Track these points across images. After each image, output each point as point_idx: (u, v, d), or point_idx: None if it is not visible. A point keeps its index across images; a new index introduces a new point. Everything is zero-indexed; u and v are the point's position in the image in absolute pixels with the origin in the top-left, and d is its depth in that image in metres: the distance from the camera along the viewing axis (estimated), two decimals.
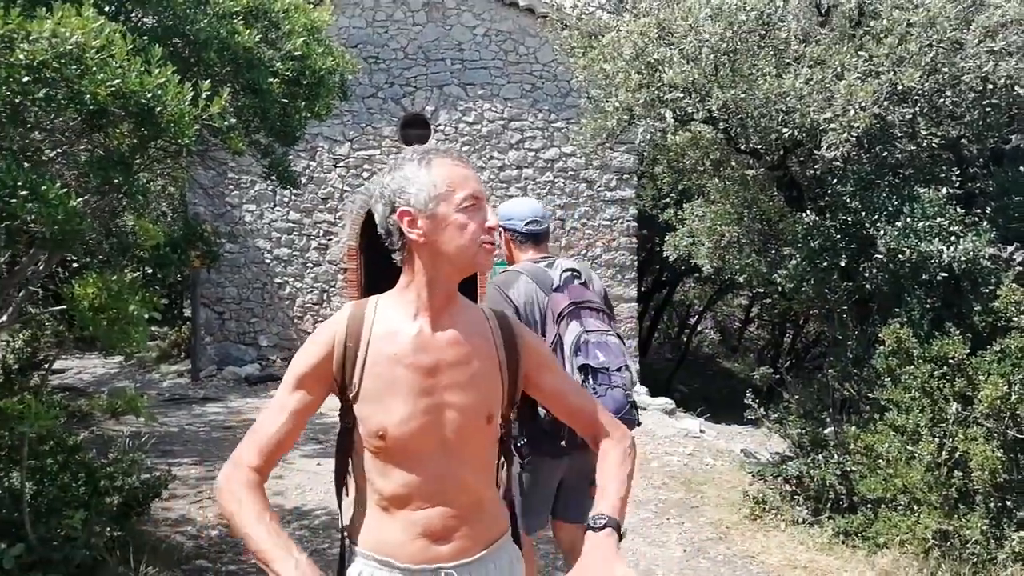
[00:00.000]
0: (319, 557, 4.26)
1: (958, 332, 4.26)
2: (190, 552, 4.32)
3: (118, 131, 3.21)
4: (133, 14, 3.75)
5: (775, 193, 5.89)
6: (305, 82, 3.85)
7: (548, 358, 1.64)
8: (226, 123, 3.18)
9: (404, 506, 1.44)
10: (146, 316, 3.27)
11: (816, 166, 5.07)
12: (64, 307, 3.44)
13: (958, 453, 4.06)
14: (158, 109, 2.97)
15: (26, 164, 2.96)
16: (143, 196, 3.56)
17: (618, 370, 2.59)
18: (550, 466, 2.64)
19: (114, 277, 3.27)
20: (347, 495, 1.55)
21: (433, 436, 1.44)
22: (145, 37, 3.33)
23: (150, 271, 3.72)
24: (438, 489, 1.44)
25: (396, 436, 1.41)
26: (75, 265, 4.45)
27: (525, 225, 2.82)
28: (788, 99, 4.47)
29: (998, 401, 3.95)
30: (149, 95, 2.93)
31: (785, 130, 4.60)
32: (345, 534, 1.53)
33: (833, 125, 4.28)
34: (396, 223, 1.43)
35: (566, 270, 2.72)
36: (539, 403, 1.68)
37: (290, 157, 4.33)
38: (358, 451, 1.47)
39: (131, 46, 2.91)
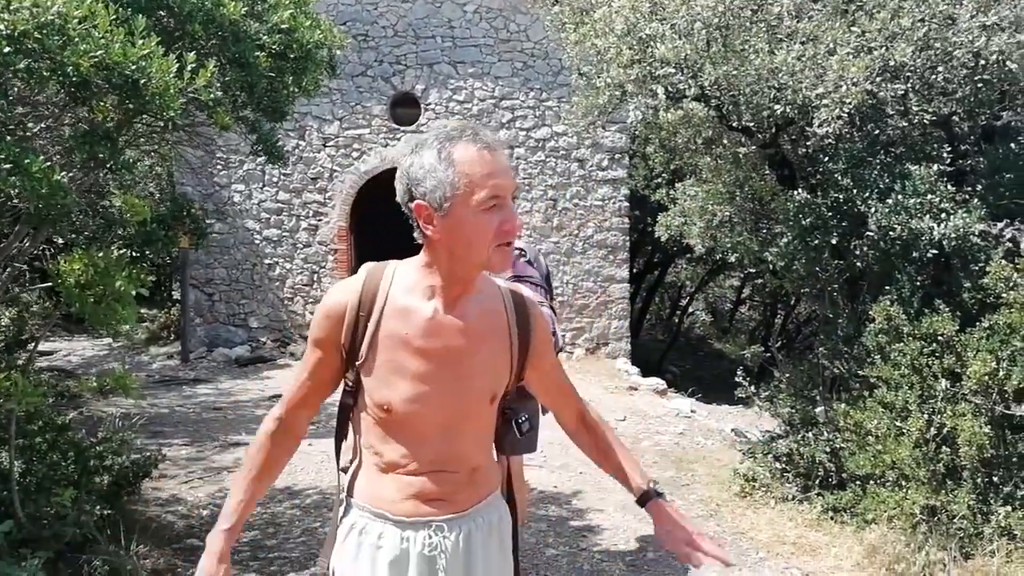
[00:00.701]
0: (310, 536, 4.27)
1: (947, 309, 4.27)
2: (181, 531, 4.31)
3: (102, 104, 3.15)
4: None
5: (767, 172, 5.88)
6: (292, 56, 3.79)
7: (550, 340, 1.66)
8: (212, 96, 3.12)
9: (400, 469, 1.49)
10: (133, 293, 3.23)
11: (808, 144, 5.05)
12: (50, 284, 3.40)
13: (946, 429, 4.09)
14: (143, 81, 2.92)
15: (8, 138, 2.90)
16: (129, 171, 3.51)
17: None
18: None
19: (100, 254, 3.23)
20: (347, 450, 1.61)
21: (436, 417, 1.47)
22: (128, 8, 3.28)
23: (137, 248, 3.68)
24: (435, 460, 1.49)
25: (400, 412, 1.46)
26: (61, 243, 4.39)
27: None
28: (780, 75, 4.44)
29: (986, 377, 3.97)
30: (133, 67, 2.88)
31: (777, 107, 4.58)
32: (342, 486, 1.59)
33: (825, 101, 4.26)
34: (412, 212, 1.42)
35: (516, 249, 3.16)
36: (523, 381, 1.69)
37: (279, 136, 4.27)
38: (360, 412, 1.52)
39: (114, 16, 2.85)
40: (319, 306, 1.53)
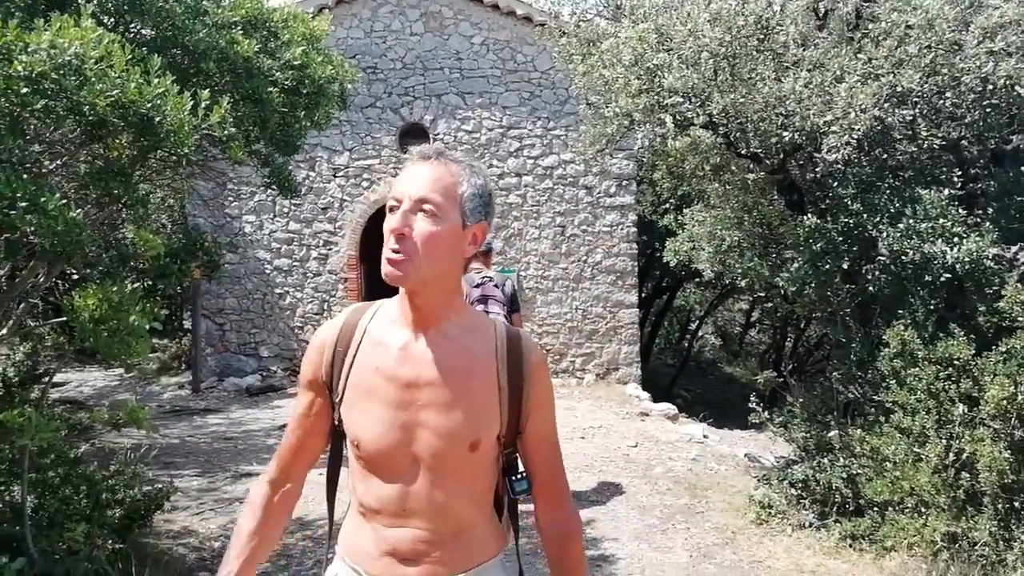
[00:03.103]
0: (322, 567, 4.23)
1: (963, 333, 4.24)
2: (193, 564, 4.29)
3: (117, 142, 3.20)
4: (132, 25, 3.75)
5: (775, 197, 5.89)
6: (304, 91, 3.85)
7: (551, 401, 1.50)
8: (226, 132, 3.17)
9: (377, 519, 1.41)
10: (147, 327, 3.25)
11: (816, 169, 5.06)
12: (64, 319, 3.42)
13: (965, 454, 4.04)
14: (157, 119, 2.97)
15: (25, 176, 2.95)
16: (143, 207, 3.55)
17: None
18: None
19: (114, 288, 3.25)
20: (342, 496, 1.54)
21: (406, 453, 1.37)
22: (144, 48, 3.34)
23: (150, 282, 3.71)
24: (411, 509, 1.38)
25: (368, 448, 1.38)
26: (75, 277, 4.43)
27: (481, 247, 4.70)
28: (788, 103, 4.47)
29: (1004, 402, 3.93)
30: (149, 105, 2.93)
31: (785, 134, 4.59)
32: (333, 533, 1.55)
33: (833, 128, 4.28)
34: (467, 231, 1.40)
35: (484, 276, 4.92)
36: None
37: (290, 167, 4.32)
38: (349, 453, 1.46)
39: (130, 56, 2.91)
40: (308, 347, 1.49)
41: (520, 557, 1.54)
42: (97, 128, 2.96)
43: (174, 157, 3.38)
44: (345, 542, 1.47)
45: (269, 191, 4.52)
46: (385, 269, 1.32)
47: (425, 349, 1.38)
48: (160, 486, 4.45)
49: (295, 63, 3.76)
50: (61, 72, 2.69)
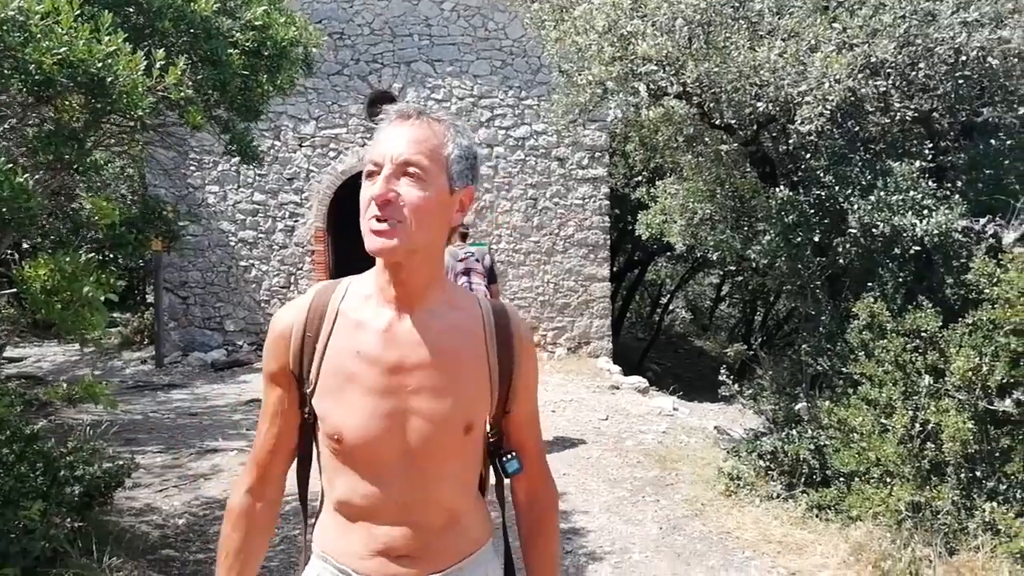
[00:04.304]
0: (290, 543, 4.17)
1: (931, 305, 4.27)
2: (156, 542, 4.20)
3: (68, 104, 3.04)
4: None
5: (748, 169, 5.87)
6: (267, 53, 3.70)
7: (534, 381, 1.42)
8: (182, 95, 3.03)
9: (364, 518, 1.30)
10: (103, 298, 3.12)
11: (789, 141, 5.04)
12: (16, 290, 3.28)
13: (930, 425, 4.09)
14: (109, 79, 2.82)
15: None
16: (97, 173, 3.40)
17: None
18: None
19: (67, 258, 3.11)
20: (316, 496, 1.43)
21: (395, 444, 1.27)
22: (95, 4, 3.16)
23: (107, 252, 3.56)
24: (402, 504, 1.28)
25: (352, 441, 1.26)
26: (27, 247, 4.26)
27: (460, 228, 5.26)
28: (762, 72, 4.42)
29: (969, 373, 3.97)
30: (99, 64, 2.78)
31: (759, 104, 4.55)
32: (308, 532, 1.42)
33: (807, 99, 4.24)
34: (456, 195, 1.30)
35: (467, 251, 5.71)
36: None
37: (253, 136, 4.16)
38: (321, 448, 1.34)
39: (78, 12, 2.75)
40: (268, 335, 1.35)
41: (507, 533, 1.49)
42: (44, 88, 2.80)
43: (130, 122, 3.23)
44: (325, 542, 1.35)
45: (232, 160, 4.38)
46: (372, 241, 1.20)
47: (411, 329, 1.27)
48: (121, 463, 4.33)
49: (256, 23, 3.60)
50: (4, 28, 2.54)
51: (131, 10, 3.46)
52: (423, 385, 1.27)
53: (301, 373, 1.30)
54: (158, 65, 2.95)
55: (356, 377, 1.26)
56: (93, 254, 3.59)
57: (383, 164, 1.21)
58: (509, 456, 1.40)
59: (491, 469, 1.44)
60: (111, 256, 3.69)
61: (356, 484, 1.29)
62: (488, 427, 1.38)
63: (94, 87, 2.84)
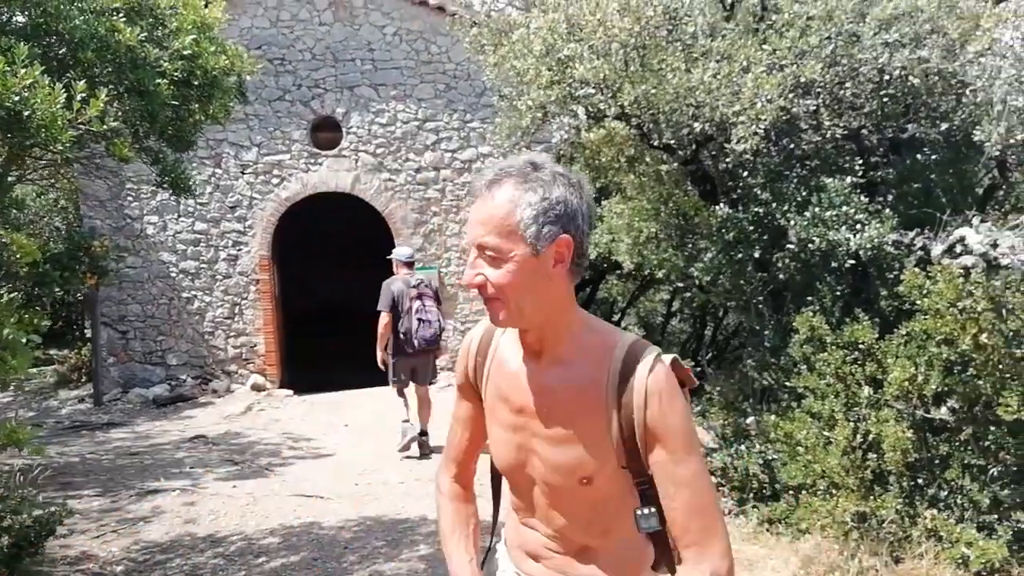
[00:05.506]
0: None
1: (867, 317, 4.38)
2: None
3: None
4: (1, 11, 3.43)
5: (689, 188, 5.96)
6: (197, 83, 3.61)
7: (678, 428, 1.27)
8: (106, 127, 2.93)
9: (524, 523, 1.46)
10: (24, 341, 2.98)
11: (728, 160, 5.14)
12: None
13: (871, 436, 4.17)
14: (27, 113, 2.71)
15: None
16: (19, 209, 3.27)
17: (430, 323, 5.97)
18: (406, 359, 6.07)
19: None
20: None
21: (524, 475, 1.39)
22: (13, 36, 3.05)
23: (29, 291, 3.41)
24: (537, 519, 1.42)
25: (497, 461, 1.45)
26: None
27: (405, 259, 6.28)
28: (697, 93, 4.50)
29: (906, 383, 4.07)
30: (16, 98, 2.67)
31: (696, 124, 4.63)
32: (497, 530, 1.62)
33: (741, 118, 4.33)
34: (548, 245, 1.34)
35: (417, 279, 6.17)
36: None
37: (193, 164, 4.06)
38: None
39: None
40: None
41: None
42: None
43: (50, 155, 3.12)
44: (508, 531, 1.54)
45: (165, 191, 4.24)
46: (489, 316, 1.32)
47: (535, 378, 1.34)
48: (53, 509, 4.13)
49: (185, 53, 3.51)
50: None
51: (52, 40, 3.35)
52: (540, 432, 1.34)
53: (479, 388, 1.47)
54: (79, 97, 2.85)
55: (495, 408, 1.41)
56: (16, 293, 3.44)
57: (468, 250, 1.31)
58: (647, 511, 1.32)
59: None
60: (36, 294, 3.54)
61: (513, 492, 1.46)
62: (635, 474, 1.30)
63: (11, 121, 2.73)
